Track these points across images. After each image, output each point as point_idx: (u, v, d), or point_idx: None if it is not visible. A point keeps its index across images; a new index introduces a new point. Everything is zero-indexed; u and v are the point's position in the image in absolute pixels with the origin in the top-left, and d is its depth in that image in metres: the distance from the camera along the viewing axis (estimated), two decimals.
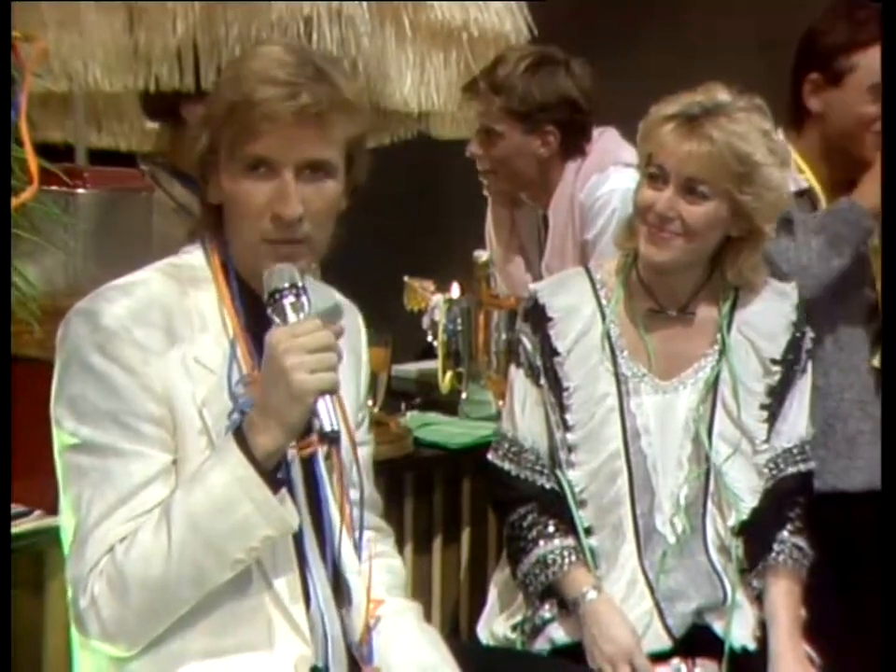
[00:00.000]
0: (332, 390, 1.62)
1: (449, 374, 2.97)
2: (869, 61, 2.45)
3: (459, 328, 2.95)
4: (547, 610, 2.20)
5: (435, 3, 2.83)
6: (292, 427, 1.63)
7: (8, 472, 1.71)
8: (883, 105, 2.15)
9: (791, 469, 2.26)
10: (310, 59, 1.72)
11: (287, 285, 1.65)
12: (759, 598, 2.20)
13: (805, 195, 2.53)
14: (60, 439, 1.69)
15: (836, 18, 2.52)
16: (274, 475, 1.65)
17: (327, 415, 1.61)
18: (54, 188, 2.14)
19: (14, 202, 1.91)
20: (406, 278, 3.12)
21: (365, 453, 1.94)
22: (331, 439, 1.63)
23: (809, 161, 2.57)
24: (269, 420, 1.62)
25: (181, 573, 1.62)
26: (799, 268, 2.40)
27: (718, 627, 2.17)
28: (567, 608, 2.18)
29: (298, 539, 1.74)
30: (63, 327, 1.71)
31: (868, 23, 2.44)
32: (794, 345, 2.28)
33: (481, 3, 2.93)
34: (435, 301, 3.01)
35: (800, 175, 2.56)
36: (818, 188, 2.57)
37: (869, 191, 2.44)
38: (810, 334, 2.32)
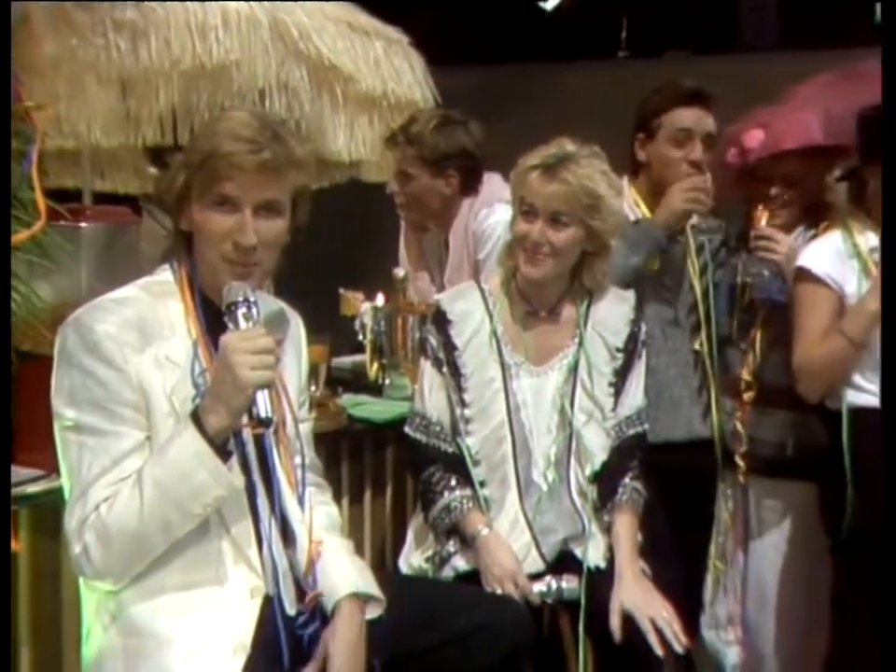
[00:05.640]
0: (268, 385, 1.65)
1: (376, 365, 2.97)
2: (671, 119, 2.62)
3: (383, 329, 2.95)
4: (451, 545, 2.25)
5: (360, 78, 2.88)
6: (236, 412, 1.66)
7: (8, 461, 1.70)
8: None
9: (631, 431, 2.33)
10: (270, 124, 1.77)
11: (241, 299, 1.69)
12: (608, 529, 2.25)
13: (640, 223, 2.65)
14: (58, 422, 1.73)
15: (653, 92, 2.68)
16: (224, 448, 1.68)
17: (263, 405, 1.64)
18: (62, 223, 2.15)
19: (27, 234, 1.93)
20: (341, 290, 3.12)
21: (306, 427, 1.98)
22: (265, 423, 1.66)
23: (643, 198, 2.69)
24: (218, 405, 1.65)
25: (152, 525, 1.67)
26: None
27: (578, 552, 2.22)
28: (467, 543, 2.23)
29: (251, 496, 1.78)
30: (60, 334, 1.74)
31: (668, 93, 2.62)
32: (633, 337, 2.35)
33: (396, 77, 2.99)
34: (364, 308, 3.01)
35: (637, 208, 2.69)
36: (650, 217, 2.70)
37: (662, 210, 2.58)
38: (644, 328, 2.39)
